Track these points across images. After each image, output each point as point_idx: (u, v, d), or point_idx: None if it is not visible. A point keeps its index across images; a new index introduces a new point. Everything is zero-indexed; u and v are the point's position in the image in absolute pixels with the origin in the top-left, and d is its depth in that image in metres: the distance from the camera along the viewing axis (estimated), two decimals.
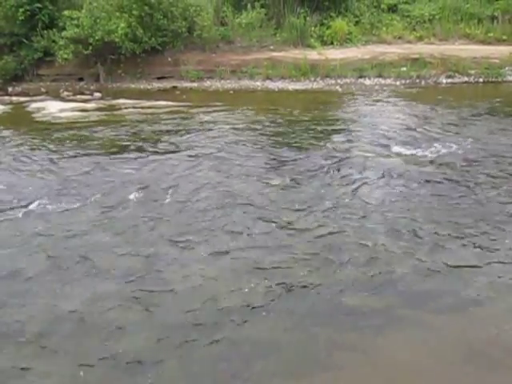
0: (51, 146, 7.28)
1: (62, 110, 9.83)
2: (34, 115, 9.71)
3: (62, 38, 12.02)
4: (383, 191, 5.21)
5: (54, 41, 12.33)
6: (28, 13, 12.26)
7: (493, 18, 13.54)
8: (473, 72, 11.82)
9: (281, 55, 12.41)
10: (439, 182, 5.37)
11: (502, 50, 12.21)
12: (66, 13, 12.16)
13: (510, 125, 7.69)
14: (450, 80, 11.79)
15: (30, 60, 12.67)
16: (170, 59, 12.55)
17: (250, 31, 12.79)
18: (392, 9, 14.43)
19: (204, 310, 3.40)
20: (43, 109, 10.06)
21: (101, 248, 4.26)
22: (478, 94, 10.72)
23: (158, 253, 4.14)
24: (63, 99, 11.21)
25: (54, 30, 12.46)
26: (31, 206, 5.09)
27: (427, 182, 5.40)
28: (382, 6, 14.35)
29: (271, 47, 12.75)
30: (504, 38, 13.01)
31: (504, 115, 8.28)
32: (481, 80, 11.71)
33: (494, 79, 11.66)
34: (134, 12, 11.65)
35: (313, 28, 13.01)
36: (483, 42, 13.01)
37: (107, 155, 6.76)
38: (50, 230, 4.58)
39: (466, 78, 11.78)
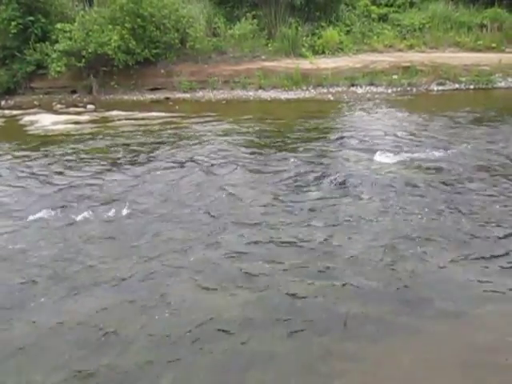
0: (44, 159, 7.26)
1: (55, 123, 9.81)
2: (26, 128, 9.69)
3: (55, 50, 12.05)
4: (374, 199, 5.21)
5: (46, 54, 12.36)
6: (20, 26, 12.31)
7: (482, 26, 13.74)
8: (463, 79, 11.97)
9: (273, 65, 12.52)
10: (431, 189, 5.38)
11: (491, 58, 12.38)
12: (58, 26, 12.19)
13: (500, 131, 7.75)
14: (441, 87, 11.93)
15: (23, 73, 12.70)
16: (162, 70, 12.61)
17: (243, 42, 12.88)
18: (383, 18, 14.62)
19: (199, 322, 3.38)
20: (36, 122, 10.04)
21: (97, 260, 4.24)
22: (469, 101, 10.81)
23: (154, 264, 4.12)
24: (56, 112, 11.19)
25: (47, 43, 12.50)
26: (25, 219, 5.06)
27: (419, 189, 5.41)
28: (373, 15, 14.55)
29: (263, 57, 12.85)
30: (493, 45, 13.20)
31: (494, 122, 8.35)
32: (471, 87, 11.86)
33: (484, 86, 11.82)
34: (127, 24, 11.71)
35: (304, 38, 13.14)
36: (473, 50, 13.19)
37: (101, 167, 6.74)
38: (45, 243, 4.56)
39: (456, 85, 11.94)
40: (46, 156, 7.44)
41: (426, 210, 4.88)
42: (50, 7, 13.03)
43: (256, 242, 4.40)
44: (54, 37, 12.41)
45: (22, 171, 6.76)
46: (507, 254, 4.06)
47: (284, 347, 3.14)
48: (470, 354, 3.04)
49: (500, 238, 4.30)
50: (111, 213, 5.14)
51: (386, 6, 15.01)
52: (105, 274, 4.02)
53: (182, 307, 3.55)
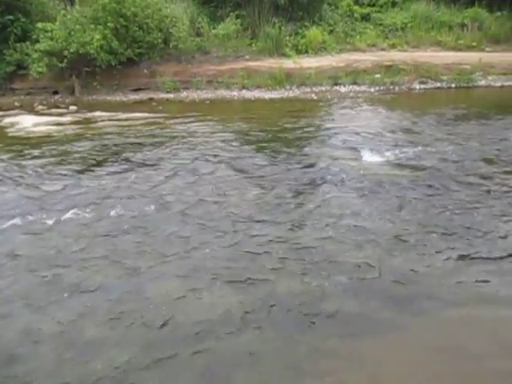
0: (25, 162, 7.14)
1: (36, 125, 9.66)
2: (7, 130, 9.51)
3: (36, 50, 11.86)
4: (357, 197, 5.25)
5: (27, 54, 12.16)
6: None
7: (462, 26, 13.98)
8: (445, 78, 12.15)
9: (256, 65, 12.54)
10: (413, 187, 5.44)
11: (472, 57, 12.58)
12: (39, 25, 11.99)
13: (482, 129, 7.87)
14: (423, 86, 12.09)
15: (3, 74, 12.47)
16: (146, 71, 12.53)
17: (226, 42, 12.88)
18: (365, 17, 14.76)
19: (184, 323, 3.37)
20: (17, 123, 9.87)
21: (79, 264, 4.19)
22: (451, 99, 10.99)
23: (137, 267, 4.09)
24: (38, 113, 10.99)
25: (27, 42, 12.28)
26: (7, 223, 4.98)
27: (401, 186, 5.46)
28: (356, 15, 14.68)
29: (247, 57, 12.86)
30: (474, 44, 13.45)
31: (476, 119, 8.48)
32: (453, 85, 12.04)
33: (465, 84, 12.00)
34: (109, 24, 11.60)
35: (288, 37, 13.19)
36: (454, 49, 13.41)
37: (83, 169, 6.66)
38: (27, 247, 4.48)
39: (438, 84, 12.10)
40: (27, 158, 7.33)
41: (412, 208, 4.93)
42: (30, 6, 12.82)
43: (241, 242, 4.39)
44: (34, 36, 12.20)
45: (2, 174, 6.65)
46: (495, 252, 4.09)
47: (270, 346, 3.14)
48: (456, 352, 3.07)
49: (488, 236, 4.35)
50: (95, 215, 5.09)
51: (369, 5, 15.16)
52: (88, 277, 3.98)
53: (167, 309, 3.53)
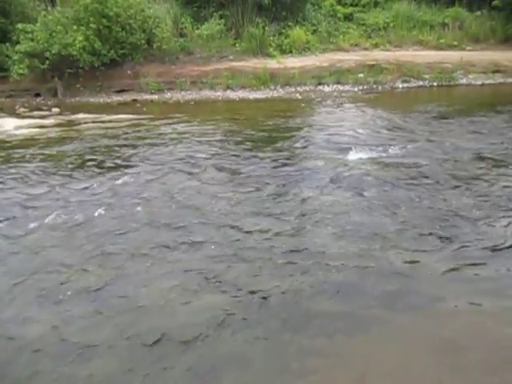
0: (7, 165, 7.04)
1: (18, 127, 9.51)
2: None
3: (16, 52, 11.71)
4: (342, 195, 5.26)
5: (7, 55, 12.01)
6: None
7: (444, 25, 14.19)
8: (427, 76, 12.32)
9: (240, 65, 12.56)
10: (400, 184, 5.47)
11: (453, 55, 12.78)
12: (19, 26, 11.83)
13: (463, 126, 7.98)
14: (405, 85, 12.24)
15: None
16: (129, 72, 12.46)
17: (210, 42, 12.87)
18: (348, 17, 14.91)
19: (171, 326, 3.35)
20: None
21: (63, 268, 4.14)
22: (433, 98, 11.12)
23: (123, 270, 4.05)
24: (19, 116, 10.83)
25: (7, 44, 12.14)
26: None
27: (387, 184, 5.50)
28: (339, 14, 14.81)
29: (231, 57, 12.88)
30: (455, 43, 13.67)
31: (458, 117, 8.60)
32: (435, 84, 12.22)
33: (447, 83, 12.19)
34: (92, 25, 11.50)
35: (271, 37, 13.24)
36: (435, 48, 13.63)
37: (67, 173, 6.58)
38: (10, 251, 4.43)
39: (420, 83, 12.27)
40: (9, 162, 7.23)
41: (398, 205, 4.95)
42: (9, 6, 12.66)
43: (229, 243, 4.38)
44: (14, 38, 12.05)
45: None
46: (484, 249, 4.12)
47: (258, 347, 3.13)
48: (443, 347, 3.09)
49: (476, 233, 4.38)
50: (79, 218, 5.03)
51: (351, 5, 15.32)
52: (73, 282, 3.93)
53: (153, 311, 3.51)
